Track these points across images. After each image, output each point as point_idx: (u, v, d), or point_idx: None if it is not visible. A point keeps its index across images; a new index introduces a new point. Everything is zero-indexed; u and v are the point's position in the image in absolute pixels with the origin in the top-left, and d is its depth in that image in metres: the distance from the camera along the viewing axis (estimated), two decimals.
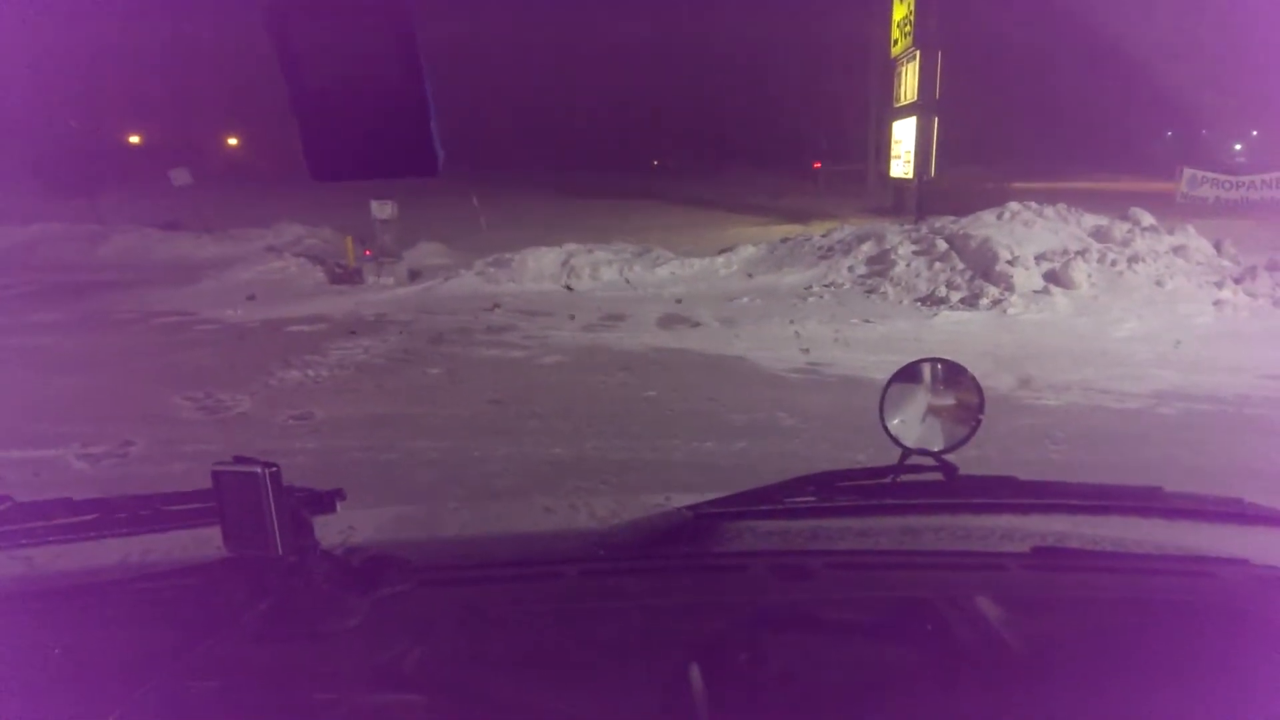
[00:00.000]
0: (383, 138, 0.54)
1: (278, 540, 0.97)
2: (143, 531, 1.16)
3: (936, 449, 1.52)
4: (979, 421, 1.49)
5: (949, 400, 1.53)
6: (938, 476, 1.38)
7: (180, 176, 17.10)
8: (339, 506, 1.08)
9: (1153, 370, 7.55)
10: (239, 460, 0.98)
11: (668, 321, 9.84)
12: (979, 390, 1.50)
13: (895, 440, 1.50)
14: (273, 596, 1.00)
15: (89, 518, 1.13)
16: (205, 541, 1.05)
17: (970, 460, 5.10)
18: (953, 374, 1.54)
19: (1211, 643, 1.08)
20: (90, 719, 0.86)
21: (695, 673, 0.92)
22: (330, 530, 1.19)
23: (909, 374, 1.55)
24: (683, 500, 1.42)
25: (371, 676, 0.93)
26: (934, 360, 1.56)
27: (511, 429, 5.76)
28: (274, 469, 0.97)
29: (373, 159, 0.56)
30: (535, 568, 1.25)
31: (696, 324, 9.70)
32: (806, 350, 8.24)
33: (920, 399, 1.54)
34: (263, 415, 6.11)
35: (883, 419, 1.49)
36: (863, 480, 1.38)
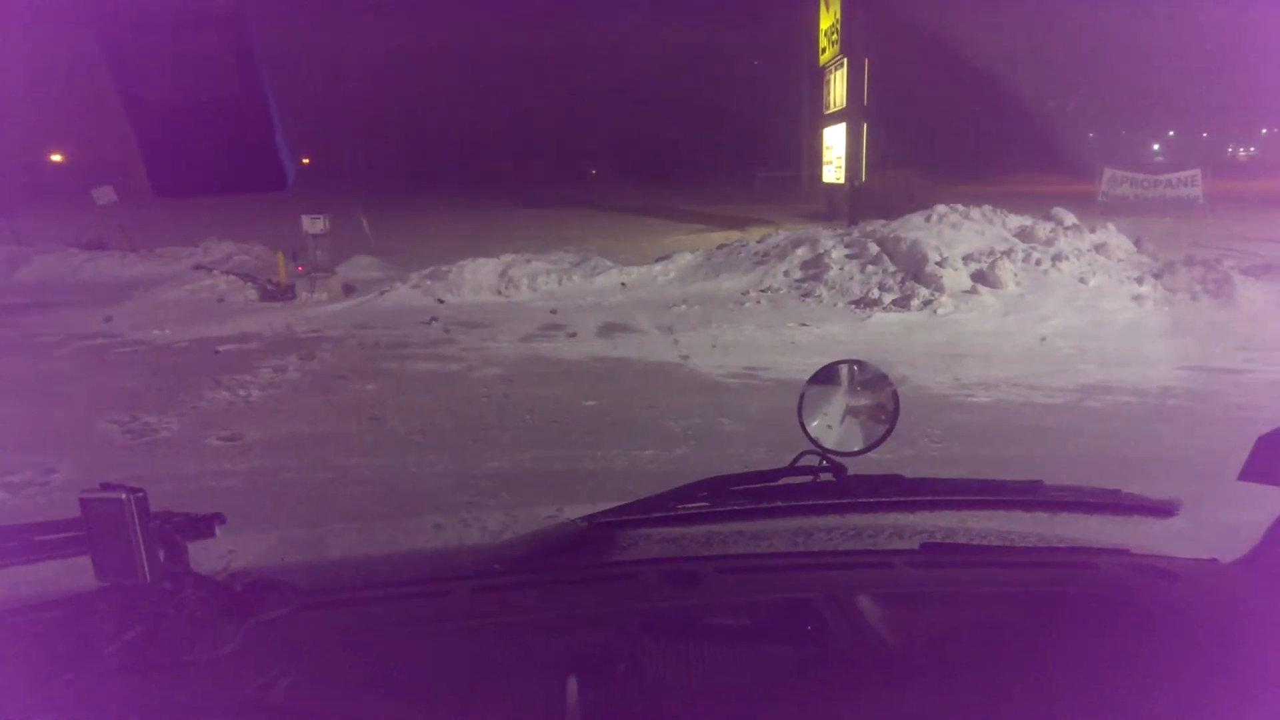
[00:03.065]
0: (226, 153, 0.53)
1: (145, 567, 0.94)
2: (12, 563, 1.12)
3: (856, 449, 1.54)
4: (895, 420, 1.52)
5: (866, 400, 1.56)
6: (829, 477, 1.40)
7: (104, 195, 16.60)
8: (218, 531, 1.05)
9: (1078, 365, 7.78)
10: (105, 486, 0.96)
11: (607, 330, 9.84)
12: (894, 390, 1.53)
13: (815, 442, 1.52)
14: (141, 625, 0.97)
15: None
16: (80, 570, 1.01)
17: (905, 459, 5.17)
18: (868, 375, 1.57)
19: (1092, 631, 1.11)
20: None
21: (573, 686, 0.92)
22: (211, 556, 1.16)
23: (826, 376, 1.57)
24: (577, 511, 1.41)
25: (240, 706, 0.91)
26: (849, 362, 1.58)
27: (450, 444, 5.70)
28: (139, 494, 0.95)
29: (217, 175, 0.55)
30: (423, 586, 1.24)
31: (636, 332, 9.73)
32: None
33: (838, 400, 1.56)
34: (191, 437, 5.95)
35: (801, 422, 1.51)
36: (754, 484, 1.39)
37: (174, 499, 1.12)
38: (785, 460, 1.47)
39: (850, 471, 1.43)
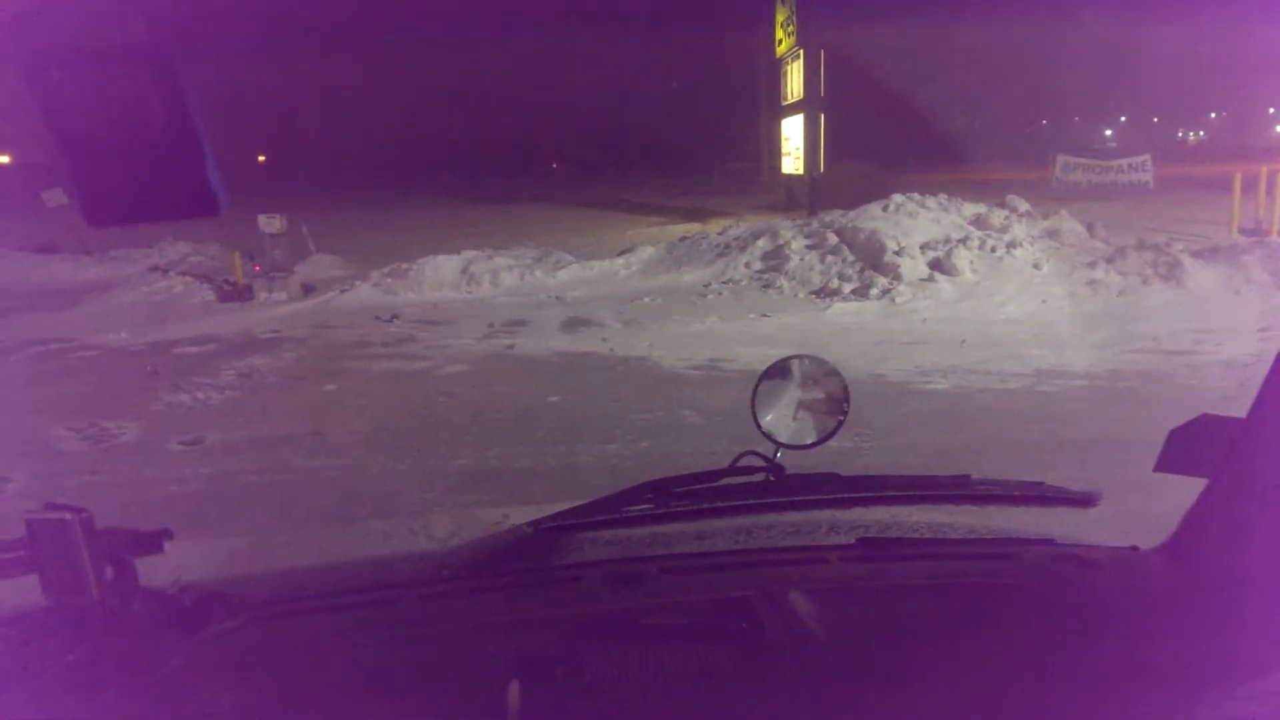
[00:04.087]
0: (158, 183, 0.55)
1: (92, 585, 0.96)
2: None
3: (809, 442, 1.59)
4: (846, 413, 1.57)
5: (817, 394, 1.61)
6: (767, 477, 1.44)
7: (54, 197, 16.22)
8: (167, 546, 1.07)
9: (1033, 350, 7.94)
10: (50, 507, 0.97)
11: (570, 325, 9.85)
12: (844, 383, 1.57)
13: (768, 437, 1.56)
14: (89, 643, 0.98)
15: None
16: (28, 589, 1.03)
17: (866, 447, 5.24)
18: (818, 368, 1.61)
19: (1013, 618, 1.16)
20: None
21: (514, 689, 0.95)
22: (161, 570, 1.17)
23: (778, 371, 1.61)
24: (523, 516, 1.44)
25: (188, 718, 0.93)
26: (800, 356, 1.62)
27: (413, 442, 5.69)
28: (84, 514, 0.97)
29: (149, 203, 0.57)
30: (370, 594, 1.26)
31: (598, 326, 9.75)
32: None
33: (790, 395, 1.60)
34: (151, 442, 5.89)
35: (755, 416, 1.55)
36: (697, 485, 1.42)
37: (133, 505, 1.13)
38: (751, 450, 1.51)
39: (794, 468, 1.47)
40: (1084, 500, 1.44)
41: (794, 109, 21.29)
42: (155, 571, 1.09)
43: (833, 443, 1.62)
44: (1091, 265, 10.75)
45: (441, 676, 1.04)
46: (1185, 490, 1.25)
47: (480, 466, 5.21)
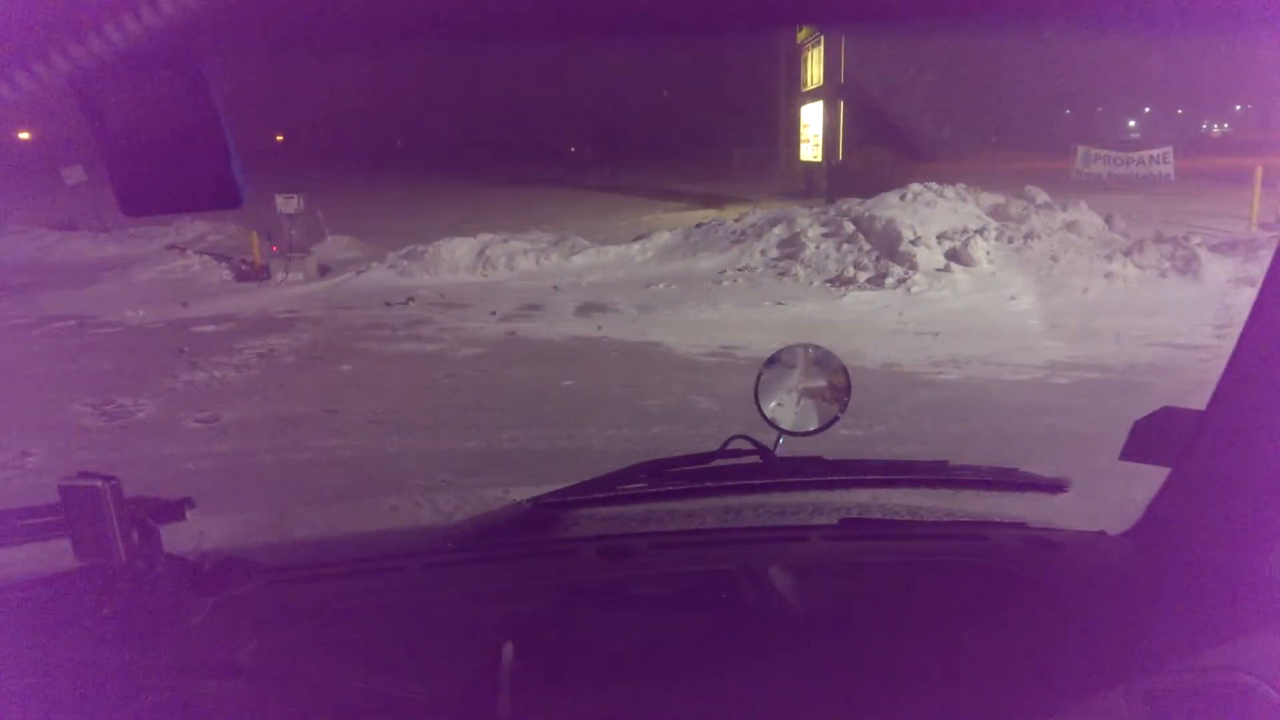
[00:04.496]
0: (185, 176, 0.59)
1: (120, 548, 1.02)
2: None
3: (811, 429, 1.61)
4: (847, 402, 1.59)
5: (820, 382, 1.63)
6: (756, 459, 1.49)
7: (74, 174, 16.37)
8: (189, 514, 1.14)
9: (1047, 342, 7.91)
10: (82, 475, 1.03)
11: (585, 310, 9.88)
12: (845, 372, 1.59)
13: (771, 424, 1.58)
14: (118, 601, 1.05)
15: None
16: (59, 553, 1.10)
17: (877, 435, 5.25)
18: (821, 357, 1.63)
19: (983, 596, 1.21)
20: None
21: (508, 650, 1.02)
22: (183, 537, 1.25)
23: (780, 359, 1.64)
24: (524, 493, 1.50)
25: (208, 670, 1.01)
26: (803, 345, 1.65)
27: (427, 424, 5.74)
28: (114, 481, 1.03)
29: (177, 195, 0.61)
30: (378, 563, 1.33)
31: (613, 311, 9.77)
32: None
33: (793, 382, 1.63)
34: (168, 419, 5.97)
35: (758, 403, 1.58)
36: (689, 465, 1.47)
37: (150, 482, 1.18)
38: (761, 435, 1.57)
39: (789, 452, 1.51)
40: (1053, 486, 1.49)
41: (813, 96, 21.18)
42: (177, 538, 1.15)
43: (841, 430, 1.65)
44: (1109, 258, 10.68)
45: (441, 637, 1.12)
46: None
47: (492, 448, 5.26)
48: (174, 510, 1.12)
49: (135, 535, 1.04)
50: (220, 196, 0.60)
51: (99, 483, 1.01)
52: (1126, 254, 10.70)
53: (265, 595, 1.15)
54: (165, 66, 0.44)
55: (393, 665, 1.05)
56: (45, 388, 6.86)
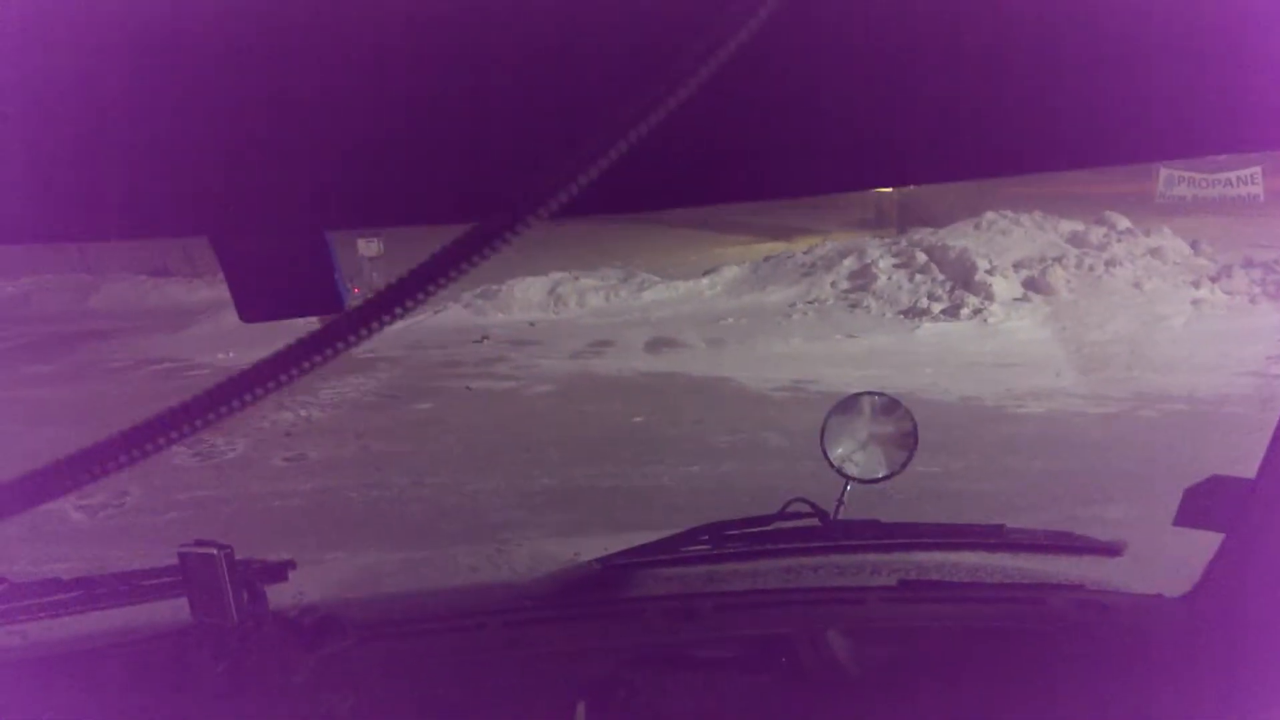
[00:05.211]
0: (296, 286, 0.66)
1: (233, 610, 1.12)
2: (120, 604, 1.31)
3: (879, 476, 1.63)
4: (914, 447, 1.61)
5: (887, 428, 1.65)
6: (815, 522, 1.54)
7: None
8: (290, 575, 1.23)
9: (1132, 373, 7.68)
10: (199, 543, 1.14)
11: (654, 345, 9.95)
12: (912, 418, 1.61)
13: (838, 470, 1.61)
14: (230, 659, 1.14)
15: (74, 594, 1.29)
16: (177, 607, 1.20)
17: (955, 471, 5.15)
18: (887, 405, 1.65)
19: (1045, 662, 1.22)
20: None
21: (581, 710, 1.07)
22: (285, 595, 1.35)
23: (846, 407, 1.66)
24: (592, 551, 1.58)
25: None
26: (869, 393, 1.67)
27: (502, 461, 5.85)
28: (228, 549, 1.13)
29: (288, 302, 0.69)
30: (460, 621, 1.42)
31: (683, 346, 9.82)
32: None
33: (860, 429, 1.65)
34: (257, 458, 6.20)
35: (824, 451, 1.60)
36: (749, 529, 1.53)
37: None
38: (829, 474, 1.65)
39: (866, 501, 1.55)
40: (1110, 549, 1.49)
41: None
42: (279, 594, 1.24)
43: (917, 467, 1.66)
44: (1195, 284, 10.34)
45: (519, 696, 1.18)
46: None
47: (565, 485, 5.33)
48: (278, 572, 1.24)
49: (245, 596, 1.14)
50: (326, 303, 0.67)
51: (214, 550, 1.12)
52: (1214, 280, 10.35)
53: (359, 653, 1.23)
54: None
55: None
56: None
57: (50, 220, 0.53)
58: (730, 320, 11.10)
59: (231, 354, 10.34)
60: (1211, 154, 0.60)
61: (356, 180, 0.49)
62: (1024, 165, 0.58)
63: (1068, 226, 12.55)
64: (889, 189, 20.43)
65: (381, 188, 0.49)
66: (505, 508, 5.00)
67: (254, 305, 0.68)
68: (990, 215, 12.67)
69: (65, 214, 0.52)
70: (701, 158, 0.53)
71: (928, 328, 10.06)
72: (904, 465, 1.59)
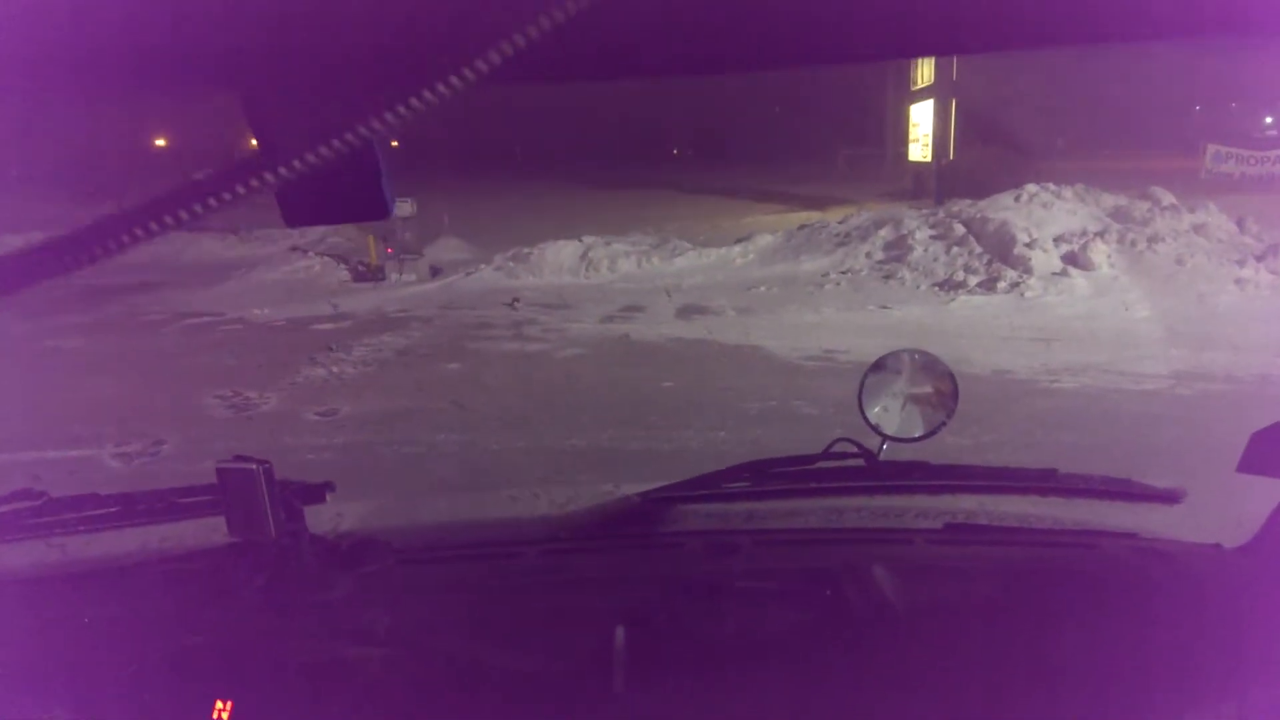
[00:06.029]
0: (340, 190, 0.65)
1: (271, 526, 1.11)
2: (159, 521, 1.32)
3: (916, 435, 1.60)
4: (954, 408, 1.57)
5: (926, 388, 1.61)
6: (860, 462, 1.49)
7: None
8: (329, 497, 1.23)
9: (1171, 350, 7.54)
10: (238, 459, 1.13)
11: (685, 312, 9.91)
12: (952, 377, 1.57)
13: (875, 429, 1.57)
14: (268, 573, 1.16)
15: (113, 510, 1.29)
16: (212, 529, 1.22)
17: (986, 444, 5.11)
18: (927, 363, 1.62)
19: (1093, 606, 1.19)
20: (116, 669, 1.03)
21: (620, 634, 1.07)
22: (322, 518, 1.35)
23: (885, 364, 1.63)
24: (633, 489, 1.55)
25: (350, 638, 1.10)
26: (909, 351, 1.64)
27: (530, 421, 5.87)
28: (267, 465, 1.12)
29: (333, 207, 0.67)
30: (497, 548, 1.41)
31: (714, 314, 9.78)
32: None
33: (898, 388, 1.62)
34: (290, 412, 6.26)
35: (862, 409, 1.57)
36: (792, 467, 1.49)
37: (276, 470, 1.29)
38: (860, 441, 1.59)
39: (893, 458, 1.52)
40: (1168, 497, 1.45)
41: (923, 94, 20.72)
42: (317, 519, 1.25)
43: (947, 437, 1.63)
44: (1240, 263, 10.11)
45: (558, 620, 1.18)
46: None
47: (593, 447, 5.34)
48: (316, 493, 1.23)
49: (283, 515, 1.14)
50: (370, 208, 0.66)
51: (253, 466, 1.11)
52: (1260, 259, 10.11)
53: (398, 574, 1.24)
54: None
55: (514, 642, 1.12)
56: (176, 381, 7.29)
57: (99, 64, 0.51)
58: (762, 289, 11.03)
59: (266, 309, 10.45)
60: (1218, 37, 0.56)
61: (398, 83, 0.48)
62: (1029, 38, 0.54)
63: (1110, 200, 12.30)
64: (928, 159, 20.12)
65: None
66: (533, 466, 5.02)
67: (298, 210, 0.67)
68: (1031, 188, 12.44)
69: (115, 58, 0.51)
70: (694, 19, 0.51)
71: (963, 300, 9.94)
72: (943, 425, 1.55)
